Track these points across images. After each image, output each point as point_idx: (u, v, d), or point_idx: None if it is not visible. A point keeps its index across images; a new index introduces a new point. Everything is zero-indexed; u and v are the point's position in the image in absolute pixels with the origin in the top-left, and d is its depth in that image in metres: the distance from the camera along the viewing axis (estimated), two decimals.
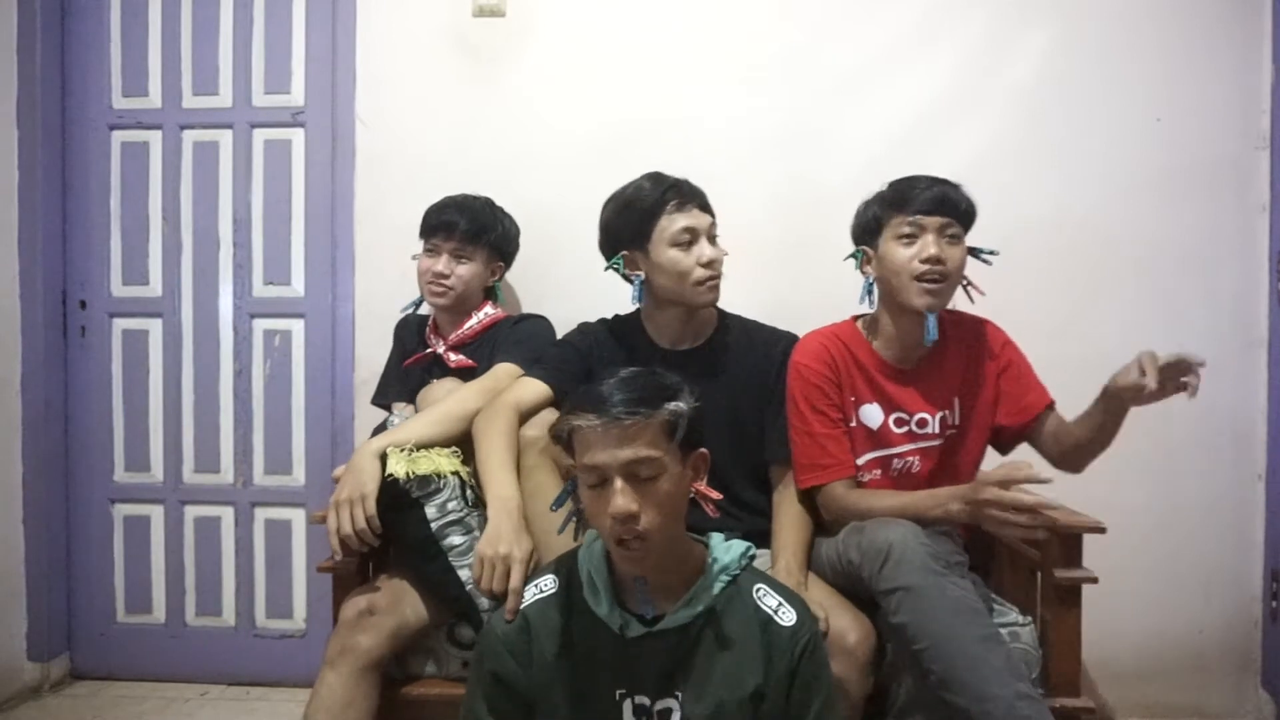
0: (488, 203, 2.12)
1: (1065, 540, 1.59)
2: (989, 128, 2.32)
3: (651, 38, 2.38)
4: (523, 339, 1.97)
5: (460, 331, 2.06)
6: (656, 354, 1.83)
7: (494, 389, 1.80)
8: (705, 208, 1.80)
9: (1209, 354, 2.26)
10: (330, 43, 2.46)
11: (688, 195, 1.78)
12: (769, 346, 1.86)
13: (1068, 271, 2.29)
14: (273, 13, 2.49)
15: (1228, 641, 2.32)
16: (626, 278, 1.83)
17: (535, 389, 1.76)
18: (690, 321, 1.85)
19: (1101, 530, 1.59)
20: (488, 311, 2.08)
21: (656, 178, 1.80)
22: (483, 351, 2.00)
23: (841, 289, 2.19)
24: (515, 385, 1.78)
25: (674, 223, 1.75)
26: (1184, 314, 2.31)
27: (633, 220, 1.79)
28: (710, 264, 1.76)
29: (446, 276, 2.02)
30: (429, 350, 2.07)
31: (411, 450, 1.67)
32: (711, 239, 1.79)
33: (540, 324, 2.06)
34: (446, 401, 1.80)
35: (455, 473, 1.69)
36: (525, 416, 1.72)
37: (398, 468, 1.63)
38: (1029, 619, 1.65)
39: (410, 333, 2.18)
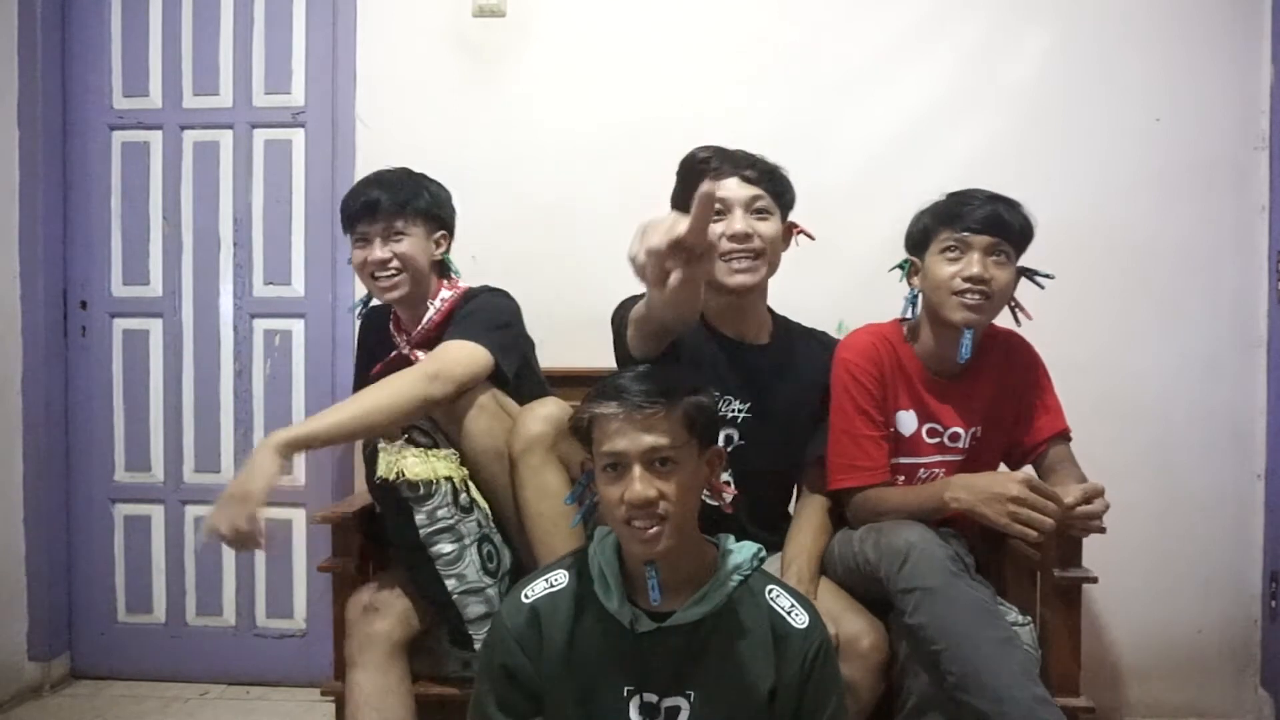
0: (404, 171, 1.92)
1: (1065, 540, 1.59)
2: (989, 128, 2.32)
3: (652, 38, 2.38)
4: (476, 311, 1.78)
5: (421, 326, 1.85)
6: (726, 345, 1.73)
7: (441, 374, 1.61)
8: (751, 179, 1.65)
9: (1209, 354, 2.31)
10: (330, 43, 2.46)
11: (725, 166, 1.65)
12: (824, 352, 1.79)
13: (1067, 271, 2.25)
14: (273, 13, 2.49)
15: (1227, 641, 2.33)
16: None
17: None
18: (744, 313, 1.74)
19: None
20: (444, 296, 1.86)
21: (705, 148, 1.69)
22: None
23: (841, 290, 2.21)
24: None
25: None
26: (1184, 314, 2.31)
27: (676, 193, 1.72)
28: (738, 237, 1.62)
29: (388, 261, 1.80)
30: (393, 353, 1.88)
31: (401, 447, 1.60)
32: (756, 212, 1.65)
33: (493, 296, 1.85)
34: (375, 388, 1.61)
35: (449, 478, 1.63)
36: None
37: (388, 470, 1.56)
38: (1029, 619, 1.65)
39: (372, 332, 2.00)
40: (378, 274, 1.82)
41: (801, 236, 1.78)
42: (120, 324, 2.56)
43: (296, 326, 2.52)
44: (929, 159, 2.29)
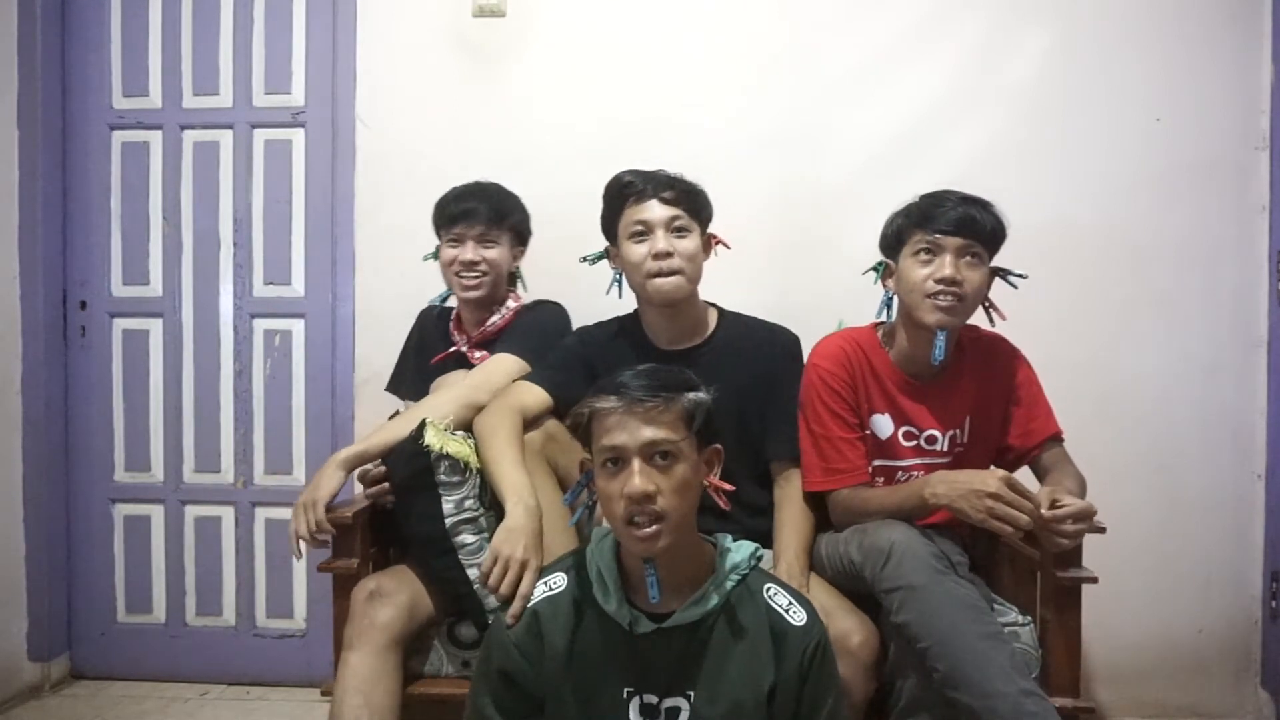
0: (499, 187, 2.06)
1: None
2: (989, 128, 2.32)
3: (651, 37, 2.38)
4: (530, 329, 1.93)
5: (484, 328, 1.99)
6: (655, 355, 1.81)
7: (486, 384, 1.78)
8: (670, 200, 1.75)
9: (1209, 354, 2.31)
10: (330, 43, 2.46)
11: (647, 189, 1.76)
12: (769, 343, 1.84)
13: (1067, 272, 2.29)
14: (273, 13, 2.49)
15: (1228, 641, 2.33)
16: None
17: (536, 395, 1.75)
18: (679, 319, 1.82)
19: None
20: (509, 305, 2.02)
21: (629, 173, 1.81)
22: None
23: (840, 290, 2.20)
24: (518, 389, 1.76)
25: (630, 216, 1.77)
26: (1184, 314, 2.31)
27: (604, 216, 1.83)
28: (660, 255, 1.72)
29: (477, 263, 1.94)
30: (453, 349, 2.00)
31: (449, 426, 1.67)
32: (675, 230, 1.75)
33: (548, 313, 2.01)
34: (425, 405, 1.79)
35: (479, 469, 1.68)
36: (528, 421, 1.71)
37: (436, 441, 1.63)
38: (1029, 619, 1.65)
39: (433, 324, 2.12)
40: (464, 273, 1.95)
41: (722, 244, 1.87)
42: (120, 324, 2.56)
43: (296, 326, 2.52)
44: (929, 159, 2.29)
